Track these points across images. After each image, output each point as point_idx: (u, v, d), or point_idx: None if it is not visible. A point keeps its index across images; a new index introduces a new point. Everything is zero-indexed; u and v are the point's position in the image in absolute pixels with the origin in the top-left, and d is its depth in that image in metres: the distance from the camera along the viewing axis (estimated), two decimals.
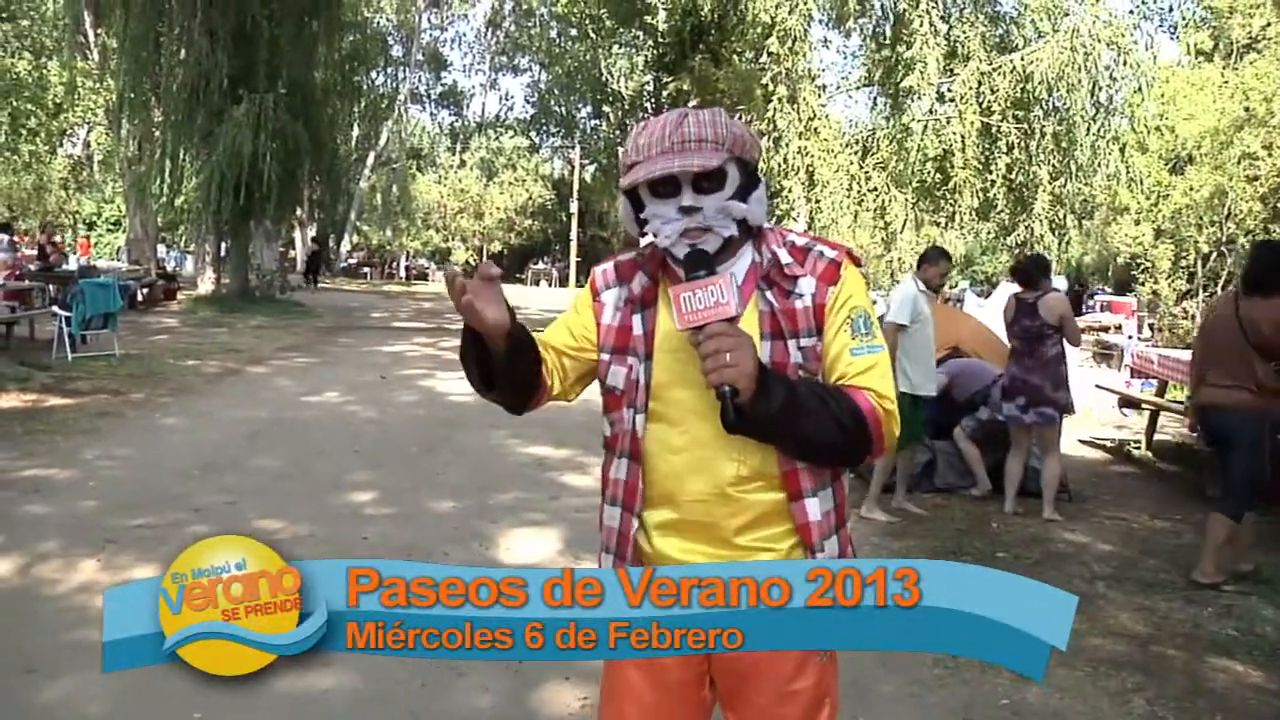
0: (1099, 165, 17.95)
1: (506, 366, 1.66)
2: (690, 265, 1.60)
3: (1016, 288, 6.52)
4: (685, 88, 23.05)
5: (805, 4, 18.58)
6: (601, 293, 1.80)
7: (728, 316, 1.53)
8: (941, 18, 18.06)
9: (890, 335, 5.75)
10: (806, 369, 1.67)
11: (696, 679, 1.80)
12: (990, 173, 18.36)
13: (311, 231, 36.78)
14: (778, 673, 1.74)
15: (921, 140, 18.20)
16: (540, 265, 47.30)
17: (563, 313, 1.90)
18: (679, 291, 1.56)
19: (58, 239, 19.93)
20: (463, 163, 48.14)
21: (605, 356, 1.76)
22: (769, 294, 1.68)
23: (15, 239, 18.83)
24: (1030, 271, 6.31)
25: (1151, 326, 19.19)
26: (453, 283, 1.53)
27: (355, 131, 32.11)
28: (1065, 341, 6.18)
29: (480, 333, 1.60)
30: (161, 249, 25.28)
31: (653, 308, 1.72)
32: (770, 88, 19.27)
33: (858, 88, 22.73)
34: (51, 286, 14.41)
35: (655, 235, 1.66)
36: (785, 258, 1.70)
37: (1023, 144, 18.49)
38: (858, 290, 1.72)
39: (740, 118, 19.98)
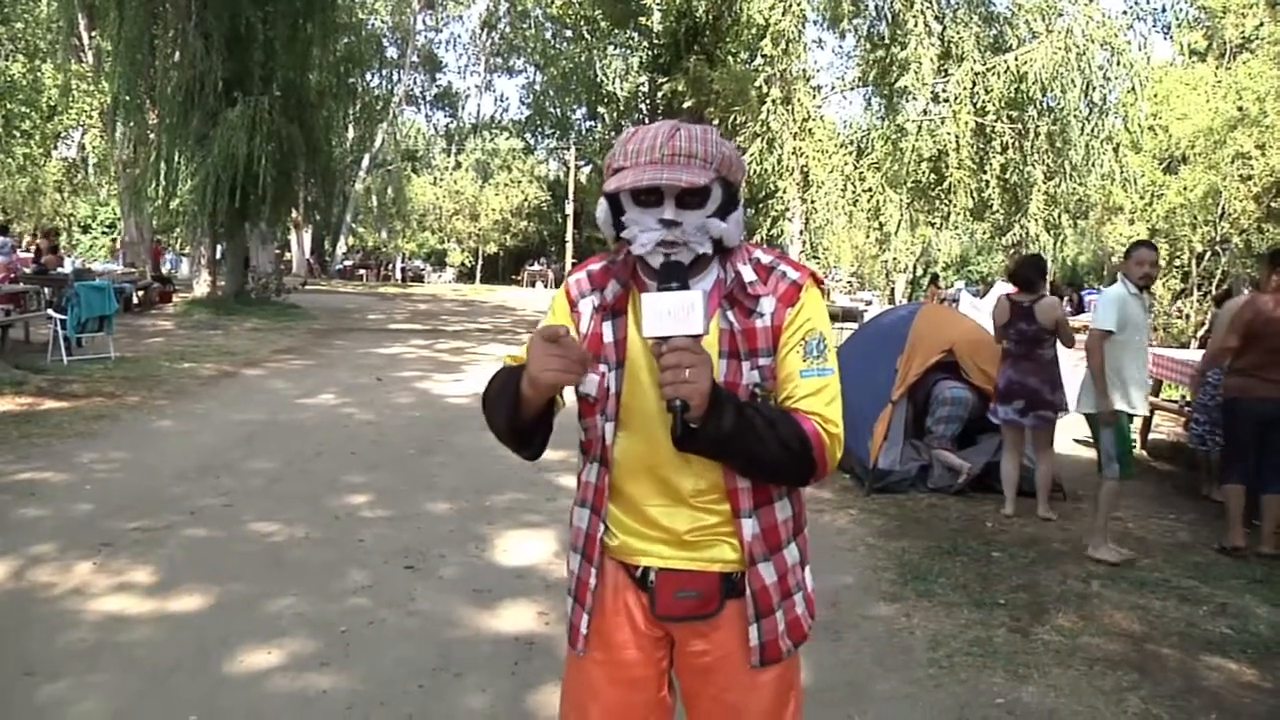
0: (1093, 165, 18.00)
1: (536, 422, 1.72)
2: (664, 276, 1.61)
3: (1009, 288, 6.54)
4: (680, 89, 23.08)
5: (799, 5, 18.62)
6: (578, 302, 1.81)
7: (693, 333, 1.54)
8: (936, 18, 18.09)
9: (1095, 343, 5.29)
10: (763, 388, 1.69)
11: (657, 676, 1.83)
12: (985, 173, 18.40)
13: (307, 233, 36.77)
14: (740, 669, 1.77)
15: (916, 140, 18.23)
16: (536, 267, 47.17)
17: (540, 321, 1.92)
18: (650, 299, 1.57)
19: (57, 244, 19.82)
20: (458, 164, 48.12)
21: None
22: (730, 313, 1.70)
23: (13, 243, 18.77)
24: (1028, 275, 6.30)
25: None
26: (559, 340, 1.56)
27: (350, 133, 31.99)
28: (1059, 343, 6.23)
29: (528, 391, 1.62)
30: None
31: (623, 316, 1.74)
32: (764, 89, 19.29)
33: (852, 88, 22.75)
34: (47, 289, 14.40)
35: (632, 241, 1.67)
36: (749, 275, 1.72)
37: (1017, 144, 18.53)
38: (816, 312, 1.74)
39: (734, 119, 20.13)
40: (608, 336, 1.74)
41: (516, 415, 1.68)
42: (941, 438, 6.89)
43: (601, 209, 1.75)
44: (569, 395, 1.83)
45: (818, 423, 1.66)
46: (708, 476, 1.70)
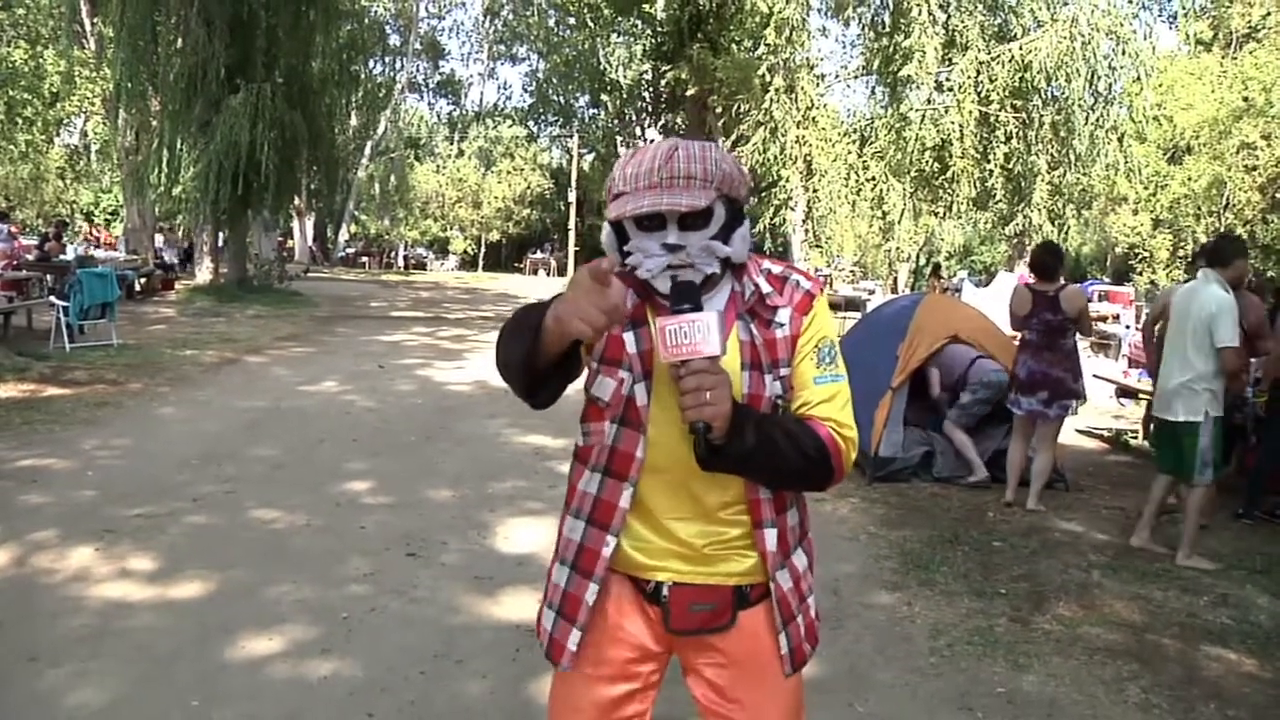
0: (1097, 155, 17.91)
1: (552, 366, 1.61)
2: (677, 298, 1.58)
3: (1014, 278, 6.51)
4: (683, 77, 23.00)
5: None
6: None
7: (711, 354, 1.52)
8: (940, 6, 17.98)
9: (1232, 360, 4.98)
10: (784, 399, 1.69)
11: (646, 689, 1.81)
12: (988, 162, 18.32)
13: (310, 221, 36.70)
14: (753, 679, 1.77)
15: (919, 129, 18.14)
16: (538, 255, 47.18)
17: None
18: (665, 323, 1.54)
19: (65, 237, 19.80)
20: (461, 152, 48.00)
21: (594, 364, 1.72)
22: (751, 325, 1.68)
23: (13, 229, 18.75)
24: (1049, 264, 6.23)
25: None
26: (601, 280, 1.45)
27: (353, 121, 31.96)
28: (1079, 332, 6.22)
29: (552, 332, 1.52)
30: (158, 239, 25.17)
31: (645, 326, 1.68)
32: (768, 77, 19.20)
33: (856, 77, 22.66)
34: (49, 276, 14.40)
35: (637, 267, 1.63)
36: (766, 288, 1.70)
37: (1021, 133, 18.44)
38: (826, 320, 1.74)
39: (737, 108, 20.07)
40: (630, 347, 1.68)
41: (535, 349, 1.55)
42: (972, 416, 6.83)
43: (606, 233, 1.71)
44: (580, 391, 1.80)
45: (832, 428, 1.66)
46: (733, 489, 1.69)
